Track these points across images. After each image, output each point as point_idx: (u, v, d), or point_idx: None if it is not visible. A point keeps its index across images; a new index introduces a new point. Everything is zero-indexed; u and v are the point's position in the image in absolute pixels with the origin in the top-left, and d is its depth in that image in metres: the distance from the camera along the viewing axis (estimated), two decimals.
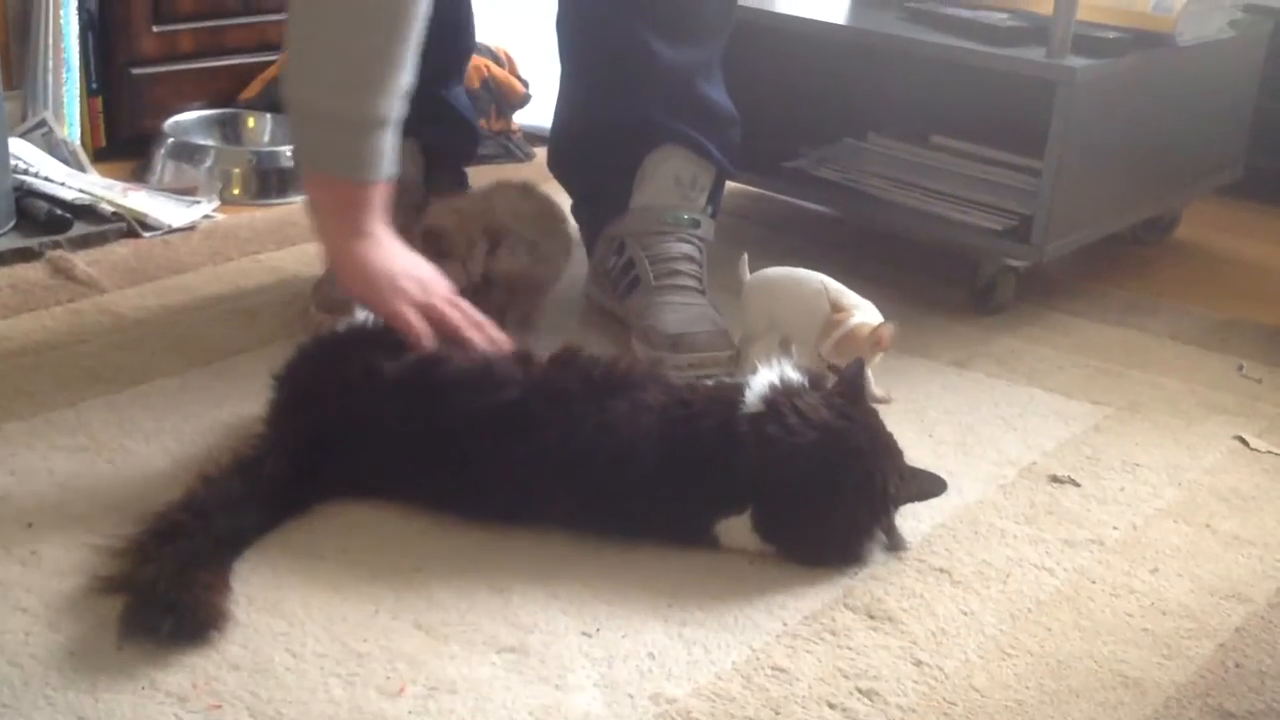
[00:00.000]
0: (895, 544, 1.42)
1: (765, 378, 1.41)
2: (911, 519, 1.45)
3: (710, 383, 1.49)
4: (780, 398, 1.38)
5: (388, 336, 1.49)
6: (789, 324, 1.71)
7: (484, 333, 1.52)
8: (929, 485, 1.44)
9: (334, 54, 1.49)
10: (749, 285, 1.75)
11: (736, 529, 1.38)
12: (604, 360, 1.47)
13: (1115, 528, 1.50)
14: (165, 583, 1.22)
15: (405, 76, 1.51)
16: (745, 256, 1.78)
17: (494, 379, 1.42)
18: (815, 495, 1.36)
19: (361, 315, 1.54)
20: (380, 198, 1.54)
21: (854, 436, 1.38)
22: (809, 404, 1.38)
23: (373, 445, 1.42)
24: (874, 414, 1.44)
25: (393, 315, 1.49)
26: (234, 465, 1.41)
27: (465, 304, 1.55)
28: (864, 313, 1.64)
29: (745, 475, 1.36)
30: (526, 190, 1.92)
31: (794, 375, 1.42)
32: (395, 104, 1.51)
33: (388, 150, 1.53)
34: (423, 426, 1.41)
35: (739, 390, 1.41)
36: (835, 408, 1.39)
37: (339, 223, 1.54)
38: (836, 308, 1.64)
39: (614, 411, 1.39)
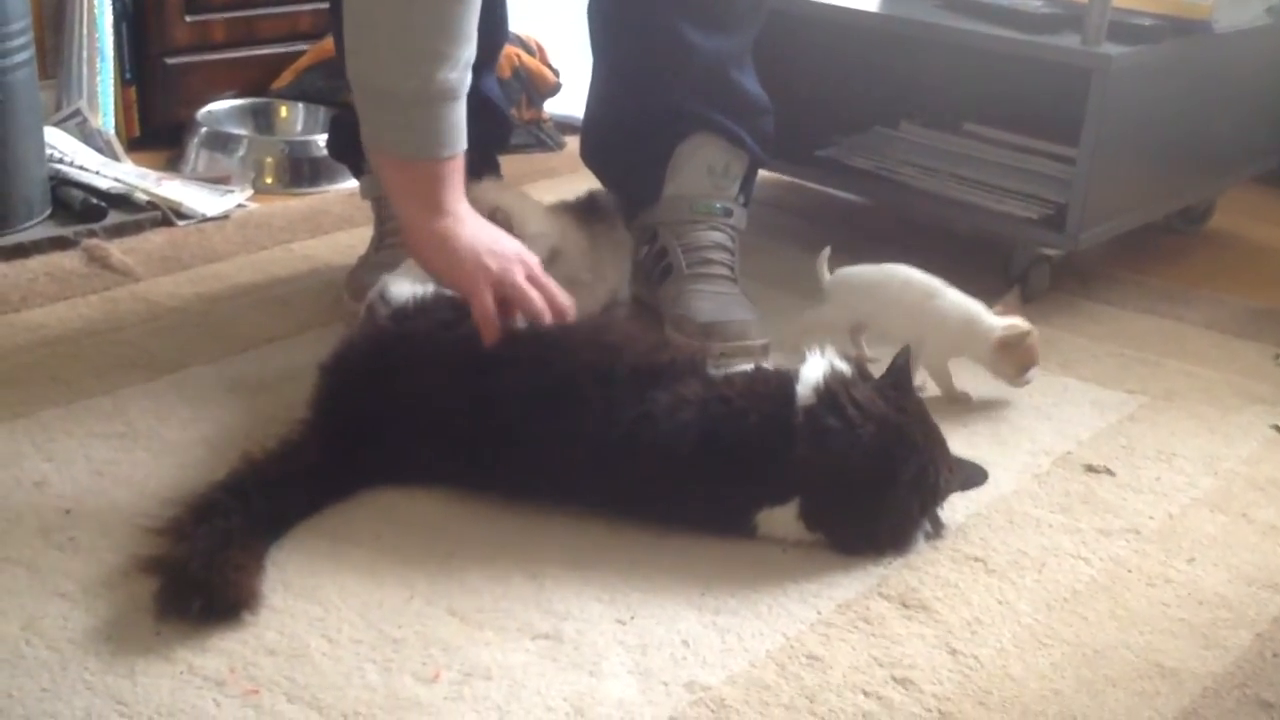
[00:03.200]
0: (937, 532, 1.42)
1: (816, 368, 1.41)
2: (947, 508, 1.44)
3: (749, 369, 1.48)
4: (836, 388, 1.38)
5: (434, 319, 1.48)
6: (892, 324, 1.73)
7: (560, 312, 1.50)
8: (973, 475, 1.46)
9: (393, 30, 1.46)
10: (841, 281, 1.76)
11: (779, 519, 1.38)
12: (648, 342, 1.48)
13: (1151, 517, 1.49)
14: (196, 562, 1.23)
15: (470, 47, 1.48)
16: (827, 250, 1.79)
17: (537, 361, 1.42)
18: (871, 487, 1.36)
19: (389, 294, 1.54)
20: (457, 172, 1.52)
21: (910, 429, 1.39)
22: (864, 396, 1.39)
23: (417, 429, 1.42)
24: (923, 405, 1.44)
25: (474, 295, 1.46)
26: (278, 448, 1.42)
27: (547, 280, 1.51)
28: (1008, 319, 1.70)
29: (795, 466, 1.36)
30: (591, 215, 1.89)
31: (842, 365, 1.42)
32: (463, 76, 1.49)
33: (459, 123, 1.50)
34: (466, 408, 1.41)
35: (788, 381, 1.40)
36: (889, 399, 1.40)
37: (417, 204, 1.51)
38: (1005, 325, 1.68)
39: (656, 403, 1.38)
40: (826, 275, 1.78)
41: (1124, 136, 2.01)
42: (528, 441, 1.39)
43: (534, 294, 1.48)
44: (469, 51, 1.49)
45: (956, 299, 1.71)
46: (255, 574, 1.26)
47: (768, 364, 1.53)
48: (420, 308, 1.51)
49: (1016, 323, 1.69)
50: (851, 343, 1.79)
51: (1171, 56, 2.04)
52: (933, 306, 1.70)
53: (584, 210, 1.89)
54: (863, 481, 1.36)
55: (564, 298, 1.50)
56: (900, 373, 1.44)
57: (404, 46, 1.47)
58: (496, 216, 1.63)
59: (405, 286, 1.54)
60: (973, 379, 1.78)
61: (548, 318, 1.48)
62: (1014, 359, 1.68)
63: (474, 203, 1.56)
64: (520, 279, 1.48)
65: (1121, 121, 1.98)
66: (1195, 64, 2.12)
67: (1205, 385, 1.82)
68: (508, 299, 1.47)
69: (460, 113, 1.50)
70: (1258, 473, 1.60)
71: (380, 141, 1.53)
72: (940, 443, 1.42)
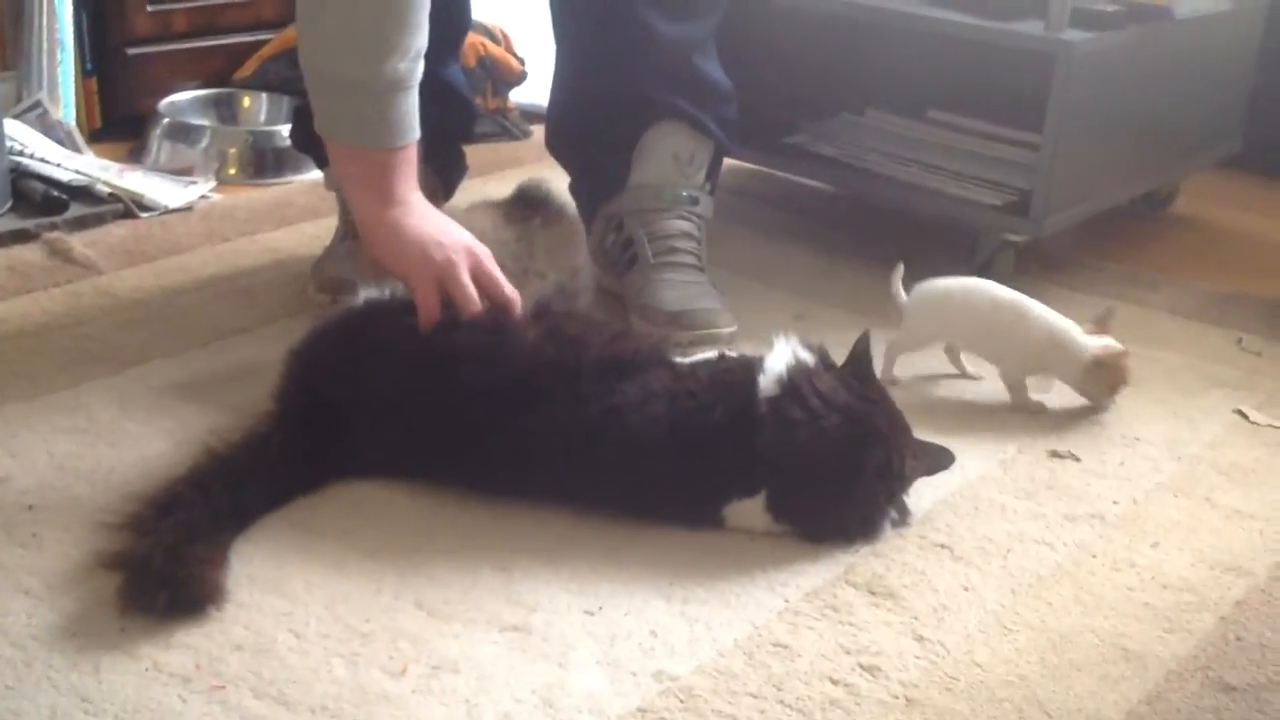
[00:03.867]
0: (904, 519, 1.42)
1: (779, 358, 1.41)
2: (913, 495, 1.45)
3: (713, 356, 1.48)
4: (799, 379, 1.38)
5: (398, 313, 1.48)
6: (976, 343, 1.72)
7: (504, 304, 1.49)
8: (940, 459, 1.46)
9: (345, 20, 1.47)
10: (922, 296, 1.72)
11: (747, 510, 1.38)
12: (611, 332, 1.48)
13: (1115, 502, 1.50)
14: (160, 557, 1.23)
15: (420, 37, 1.49)
16: (900, 268, 1.76)
17: (502, 352, 1.42)
18: (837, 476, 1.37)
19: (363, 296, 1.53)
20: (409, 162, 1.52)
21: (874, 417, 1.39)
22: (828, 385, 1.39)
23: (382, 421, 1.42)
24: (886, 393, 1.44)
25: (415, 286, 1.47)
26: (241, 441, 1.41)
27: (494, 271, 1.51)
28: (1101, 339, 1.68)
29: (762, 458, 1.36)
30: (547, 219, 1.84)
31: (805, 354, 1.42)
32: (413, 66, 1.49)
33: (411, 113, 1.51)
34: (431, 400, 1.40)
35: (751, 371, 1.41)
36: (852, 389, 1.40)
37: (370, 192, 1.52)
38: (1100, 346, 1.66)
39: (623, 395, 1.38)
40: (902, 293, 1.74)
41: (1087, 122, 2.02)
42: (491, 436, 1.39)
43: (470, 288, 1.47)
44: (420, 41, 1.49)
45: (1044, 317, 1.67)
46: (220, 568, 1.25)
47: (731, 351, 1.52)
48: (383, 302, 1.51)
49: (1110, 343, 1.66)
50: (950, 362, 1.77)
51: (1134, 43, 2.05)
52: (1021, 326, 1.67)
53: (512, 206, 1.84)
54: (829, 472, 1.37)
55: (509, 290, 1.50)
56: (862, 360, 1.44)
57: (354, 35, 1.47)
58: None
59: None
60: (941, 365, 1.79)
61: (475, 308, 1.46)
62: (1106, 379, 1.66)
63: None
64: (462, 272, 1.47)
65: (1085, 107, 1.99)
66: (1157, 50, 2.13)
67: (1169, 370, 1.83)
68: (446, 292, 1.47)
69: (412, 102, 1.51)
70: (1221, 457, 1.61)
71: (332, 129, 1.54)
72: (905, 429, 1.43)
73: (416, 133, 1.53)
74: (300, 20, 1.52)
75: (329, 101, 1.53)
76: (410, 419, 1.42)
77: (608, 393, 1.38)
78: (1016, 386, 1.69)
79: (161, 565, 1.22)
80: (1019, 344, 1.67)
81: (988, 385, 1.74)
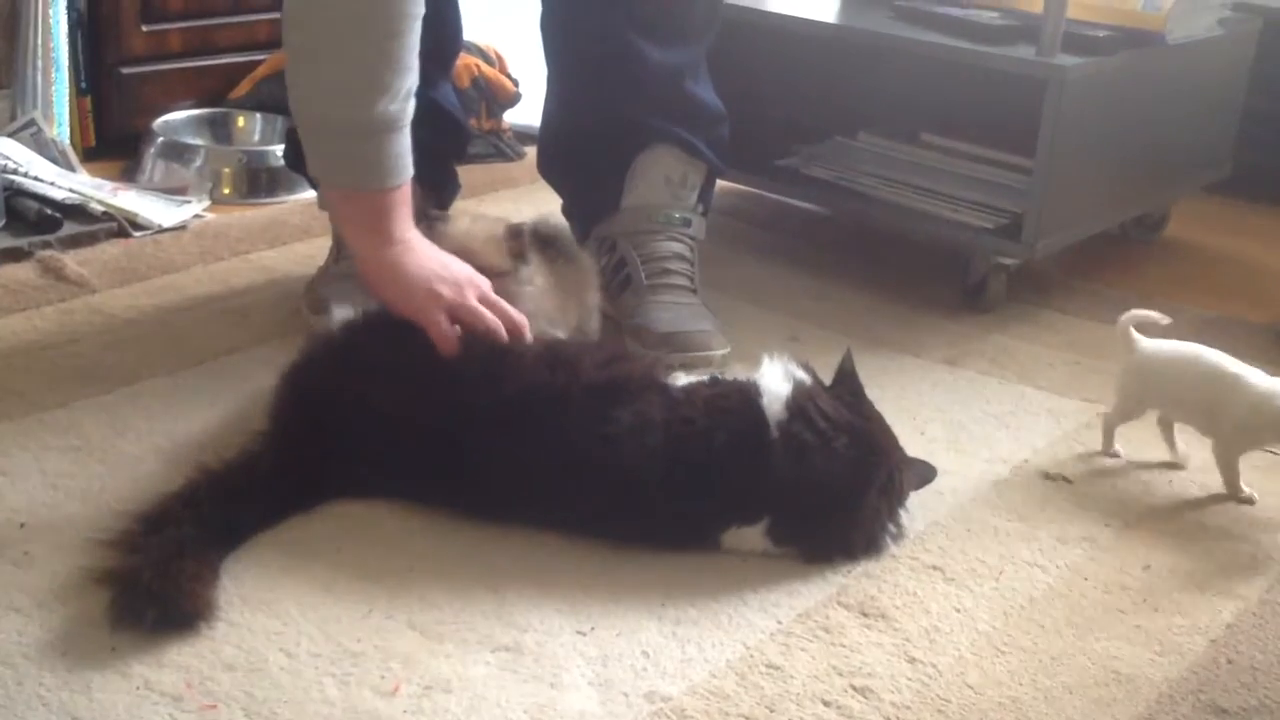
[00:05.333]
0: (901, 532, 1.43)
1: (776, 380, 1.41)
2: (906, 515, 1.45)
3: (706, 379, 1.47)
4: (804, 402, 1.39)
5: (392, 335, 1.48)
6: (1189, 415, 1.59)
7: (515, 329, 1.49)
8: (925, 473, 1.48)
9: (337, 66, 1.47)
10: (1143, 360, 1.60)
11: (746, 535, 1.38)
12: (605, 354, 1.47)
13: (1107, 525, 1.51)
14: (150, 572, 1.22)
15: (411, 77, 1.49)
16: (1136, 314, 1.61)
17: (495, 377, 1.41)
18: (846, 496, 1.37)
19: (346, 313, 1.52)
20: (404, 202, 1.52)
21: (876, 435, 1.40)
22: (831, 406, 1.39)
23: (375, 444, 1.41)
24: (875, 409, 1.45)
25: (427, 324, 1.46)
26: (233, 460, 1.41)
27: (499, 300, 1.51)
28: None
29: (768, 483, 1.36)
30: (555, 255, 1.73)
31: (801, 374, 1.42)
32: (404, 106, 1.50)
33: (404, 153, 1.51)
34: (423, 424, 1.40)
35: (752, 396, 1.40)
36: (851, 407, 1.41)
37: (368, 235, 1.52)
38: None
39: (618, 423, 1.37)
40: (1133, 344, 1.61)
41: (1079, 147, 2.03)
42: (487, 463, 1.39)
43: (484, 312, 1.48)
44: (411, 81, 1.50)
45: (1265, 387, 1.53)
46: (210, 584, 1.25)
47: (723, 374, 1.52)
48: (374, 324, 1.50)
49: None
50: (1164, 439, 1.64)
51: (1125, 68, 2.06)
52: (1236, 399, 1.53)
53: (523, 242, 1.68)
54: (838, 493, 1.37)
55: (518, 316, 1.51)
56: (851, 378, 1.45)
57: (345, 79, 1.47)
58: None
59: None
60: (933, 388, 1.79)
61: (503, 334, 1.48)
62: None
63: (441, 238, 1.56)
64: (472, 300, 1.48)
65: (1076, 132, 2.00)
66: (1149, 75, 2.15)
67: None
68: (461, 322, 1.47)
69: (405, 142, 1.51)
70: (1213, 480, 1.61)
71: (325, 172, 1.55)
72: (898, 444, 1.44)
73: (410, 172, 1.53)
74: (291, 68, 1.52)
75: (322, 146, 1.53)
76: (401, 443, 1.41)
77: (602, 420, 1.38)
78: (1231, 468, 1.56)
79: (150, 581, 1.22)
80: (1238, 418, 1.53)
81: (978, 408, 1.75)
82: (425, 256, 1.52)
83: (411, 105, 1.51)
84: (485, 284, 1.52)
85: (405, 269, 1.50)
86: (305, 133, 1.54)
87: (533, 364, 1.44)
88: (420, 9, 1.47)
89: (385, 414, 1.41)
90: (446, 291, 1.47)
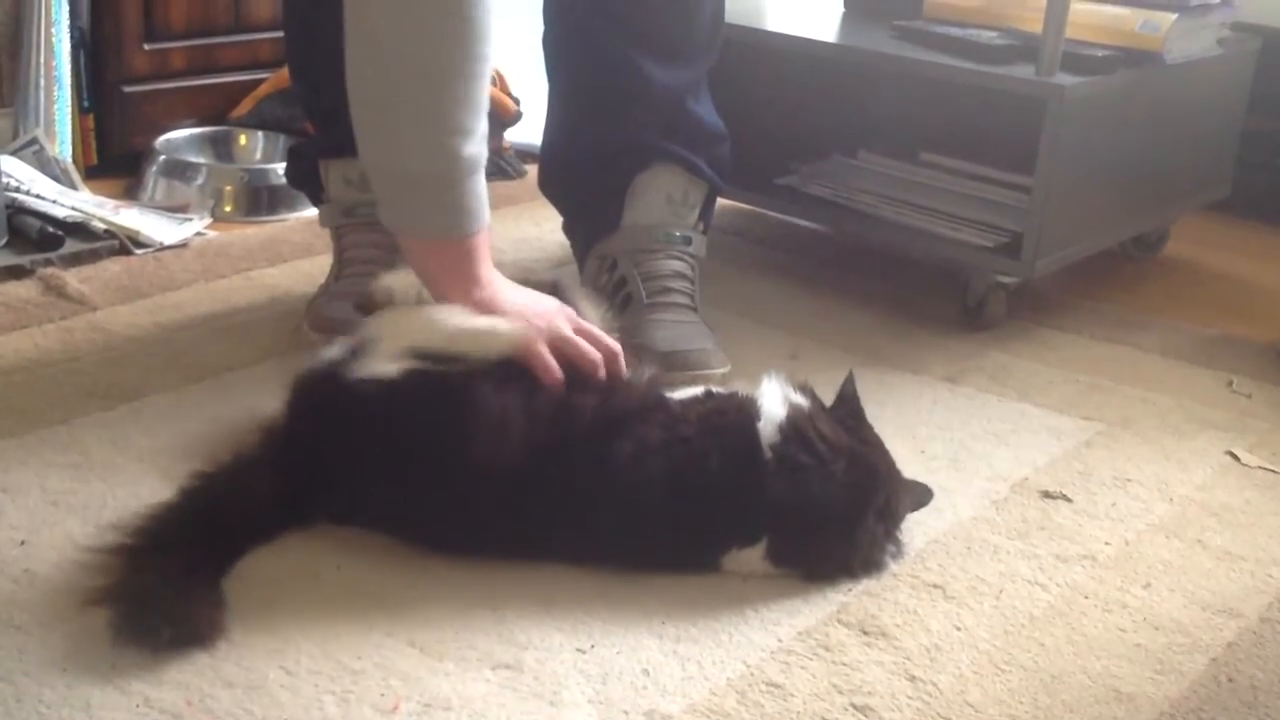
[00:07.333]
0: (899, 552, 1.43)
1: (773, 401, 1.40)
2: (904, 535, 1.45)
3: (700, 393, 1.47)
4: (801, 424, 1.38)
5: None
6: None
7: (611, 356, 1.48)
8: (921, 495, 1.48)
9: (416, 112, 1.42)
10: None
11: (746, 557, 1.38)
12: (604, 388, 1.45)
13: (1107, 543, 1.51)
14: (163, 591, 1.22)
15: (485, 117, 1.45)
16: None
17: (495, 414, 1.37)
18: (844, 521, 1.37)
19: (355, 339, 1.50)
20: (486, 243, 1.48)
21: (874, 459, 1.40)
22: (829, 429, 1.39)
23: (370, 481, 1.39)
24: (875, 433, 1.45)
25: (532, 356, 1.41)
26: (233, 478, 1.40)
27: (591, 328, 1.50)
28: None
29: (766, 506, 1.35)
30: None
31: (799, 397, 1.42)
32: (482, 148, 1.45)
33: (484, 195, 1.47)
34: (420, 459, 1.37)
35: (745, 413, 1.39)
36: (850, 429, 1.41)
37: (458, 280, 1.47)
38: None
39: (617, 451, 1.36)
40: None
41: (1078, 165, 2.03)
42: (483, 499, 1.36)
43: (582, 343, 1.46)
44: (485, 121, 1.46)
45: None
46: (220, 605, 1.25)
47: (718, 388, 1.51)
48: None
49: None
50: None
51: (1124, 87, 2.06)
52: None
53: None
54: (836, 516, 1.37)
55: (613, 344, 1.49)
56: (852, 401, 1.45)
57: (429, 128, 1.42)
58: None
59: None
60: (932, 406, 1.79)
61: (602, 372, 1.45)
62: None
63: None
64: (569, 331, 1.46)
65: (1075, 151, 2.01)
66: (1148, 94, 2.15)
67: (1160, 411, 1.83)
68: (563, 354, 1.44)
69: (484, 184, 1.47)
70: (1212, 498, 1.61)
71: (410, 225, 1.49)
72: (896, 468, 1.44)
73: (488, 213, 1.49)
74: (364, 122, 1.46)
75: (406, 199, 1.47)
76: (397, 478, 1.38)
77: (601, 448, 1.36)
78: None
79: (163, 601, 1.22)
80: None
81: (978, 426, 1.75)
82: (515, 290, 1.50)
83: (486, 145, 1.47)
84: (572, 314, 1.51)
85: (500, 308, 1.46)
86: (384, 186, 1.48)
87: (529, 394, 1.40)
88: (493, 49, 1.43)
89: (372, 449, 1.38)
90: (543, 324, 1.45)
